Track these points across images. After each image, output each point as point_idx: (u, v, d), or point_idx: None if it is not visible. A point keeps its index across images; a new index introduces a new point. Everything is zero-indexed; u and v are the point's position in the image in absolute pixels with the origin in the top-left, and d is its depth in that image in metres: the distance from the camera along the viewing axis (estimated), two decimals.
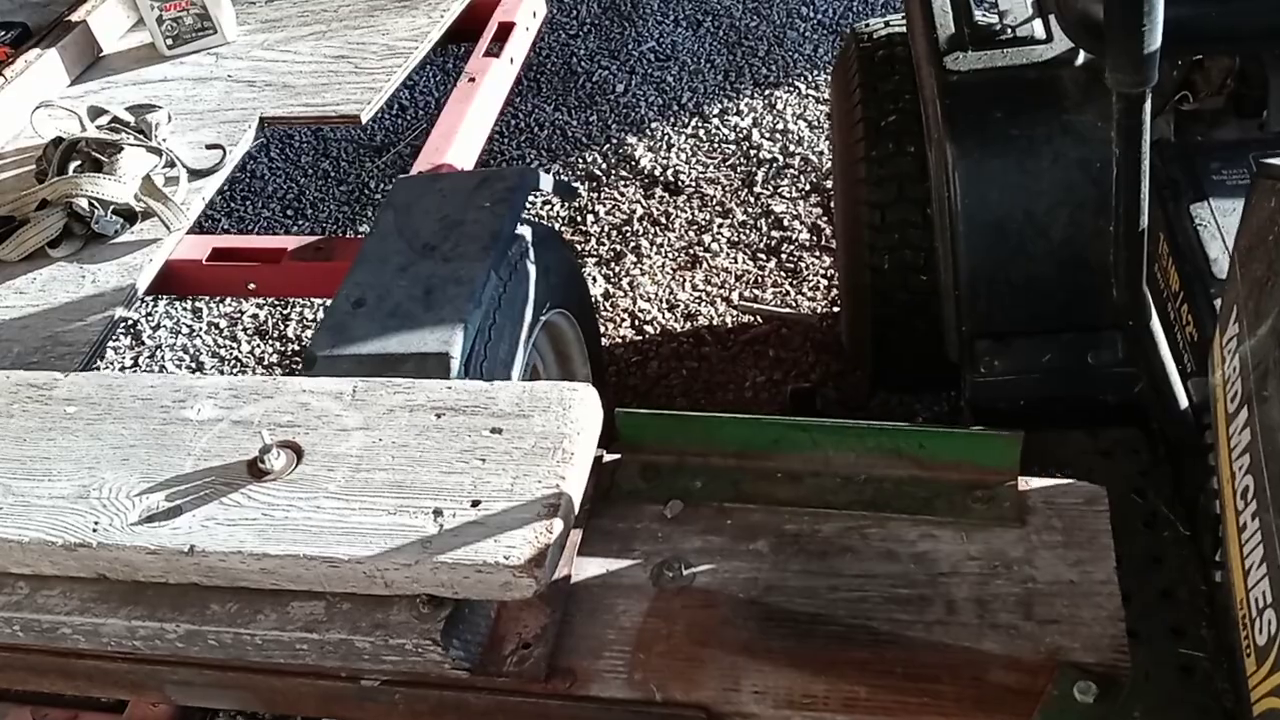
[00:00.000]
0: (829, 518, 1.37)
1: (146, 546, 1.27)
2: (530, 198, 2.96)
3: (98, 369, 2.27)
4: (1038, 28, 1.93)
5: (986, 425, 1.94)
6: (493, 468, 1.29)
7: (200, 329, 3.19)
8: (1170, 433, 1.61)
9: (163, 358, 3.12)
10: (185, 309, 3.24)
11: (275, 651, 1.28)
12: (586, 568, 1.37)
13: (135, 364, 3.12)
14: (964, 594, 1.28)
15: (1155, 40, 1.10)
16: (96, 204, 2.00)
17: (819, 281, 3.03)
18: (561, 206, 3.36)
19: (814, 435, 1.39)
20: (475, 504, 1.25)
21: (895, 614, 1.26)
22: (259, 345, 3.12)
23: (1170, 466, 1.76)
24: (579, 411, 1.35)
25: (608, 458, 1.48)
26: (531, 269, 1.92)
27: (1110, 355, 1.87)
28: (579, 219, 3.33)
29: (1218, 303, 1.60)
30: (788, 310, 2.97)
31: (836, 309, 2.92)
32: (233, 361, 3.09)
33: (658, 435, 1.46)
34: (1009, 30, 1.94)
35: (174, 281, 2.09)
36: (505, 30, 2.54)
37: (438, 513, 1.25)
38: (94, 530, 1.30)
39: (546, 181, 2.07)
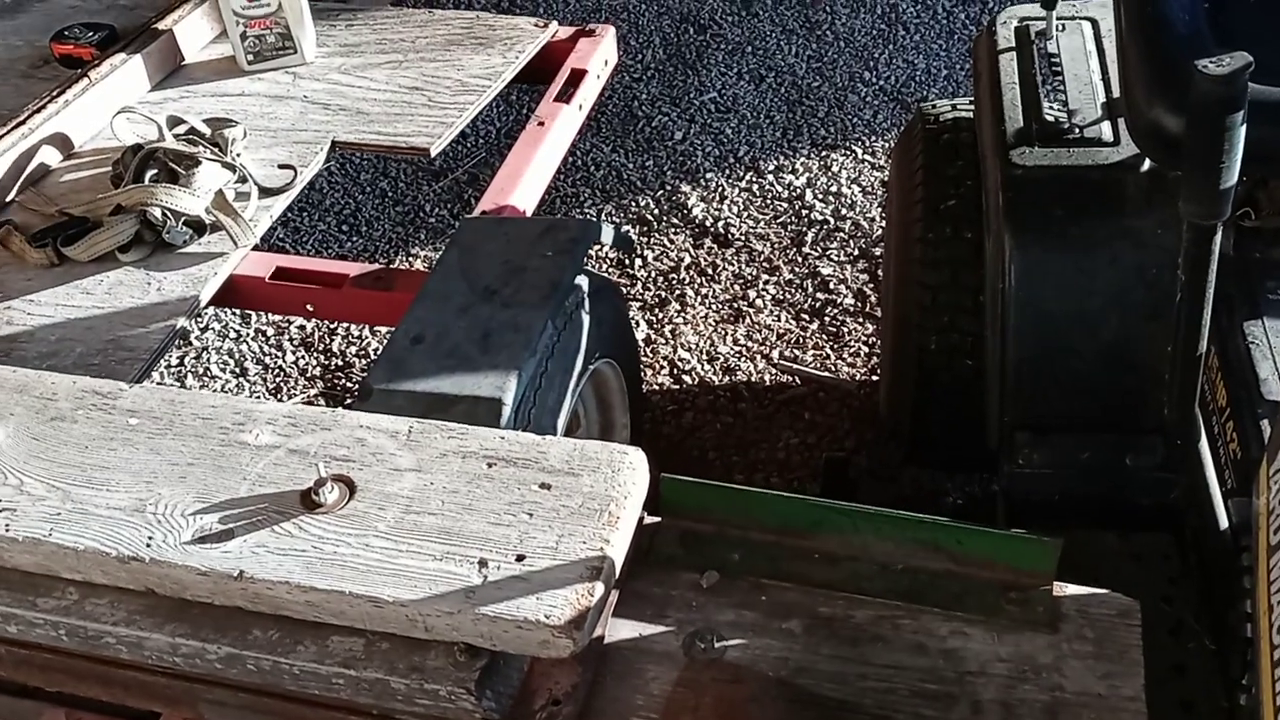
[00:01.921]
0: (863, 604, 1.39)
1: (197, 567, 1.31)
2: None
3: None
4: (1106, 130, 1.96)
5: (1019, 516, 1.96)
6: (539, 523, 1.32)
7: (247, 335, 3.24)
8: (1206, 549, 1.62)
9: (208, 360, 3.17)
10: (234, 314, 3.29)
11: (311, 683, 1.30)
12: (620, 629, 1.39)
13: (181, 364, 3.17)
14: (990, 695, 1.29)
15: (1232, 177, 1.13)
16: (169, 213, 2.05)
17: (860, 348, 3.05)
18: (610, 249, 3.40)
19: (855, 520, 1.41)
20: (520, 558, 1.28)
21: (921, 709, 1.28)
22: (303, 357, 3.17)
23: (1200, 578, 1.77)
24: (627, 476, 1.37)
25: (648, 520, 1.51)
26: (585, 319, 1.95)
27: (1149, 459, 1.88)
28: (627, 263, 3.37)
29: (1264, 423, 1.61)
30: (827, 374, 2.99)
31: (876, 378, 2.94)
32: (276, 370, 3.14)
33: (700, 504, 1.48)
34: (1077, 130, 1.96)
35: (236, 296, 2.14)
36: (578, 77, 2.58)
37: (483, 563, 1.28)
38: (148, 545, 1.34)
39: (608, 234, 2.11)
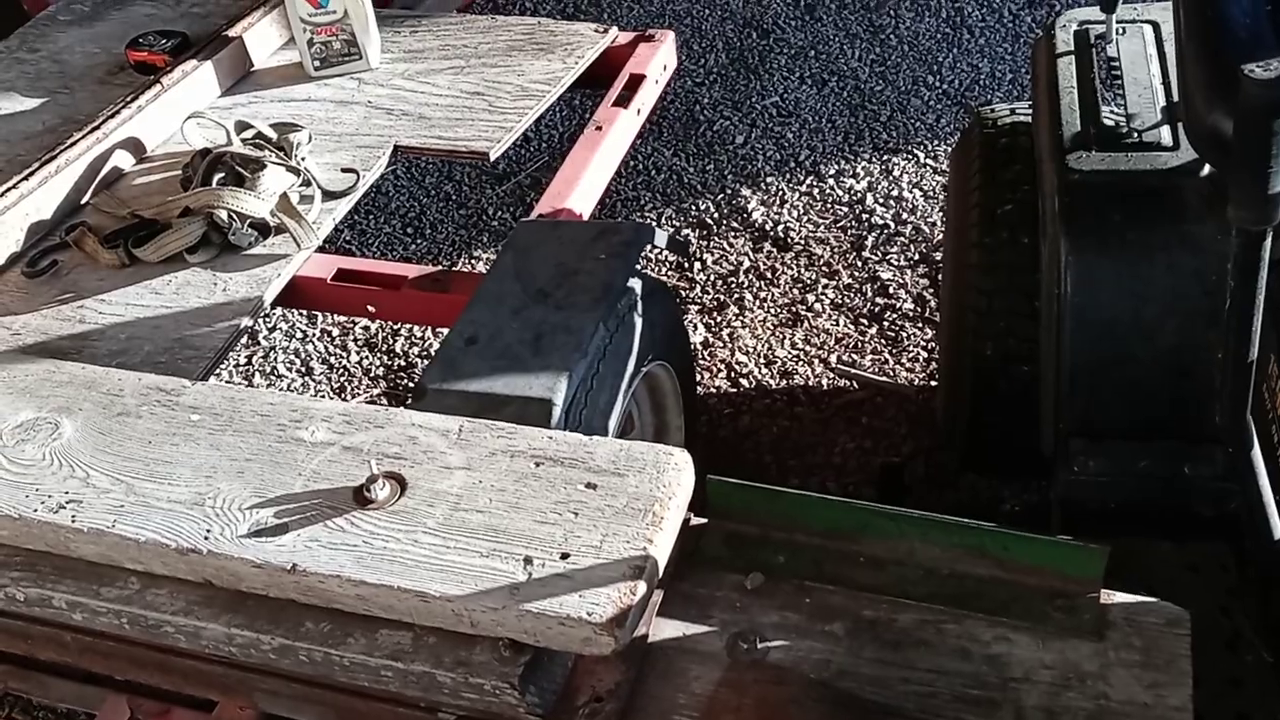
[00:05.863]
0: (907, 608, 1.39)
1: (253, 560, 1.35)
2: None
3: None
4: (1165, 134, 1.93)
5: (1074, 524, 1.94)
6: (584, 522, 1.34)
7: (314, 335, 3.31)
8: (1261, 559, 1.60)
9: (275, 360, 3.24)
10: (301, 315, 3.36)
11: (361, 675, 1.34)
12: (664, 629, 1.40)
13: (249, 362, 3.25)
14: (1034, 702, 1.29)
15: None
16: (235, 216, 2.10)
17: (919, 353, 3.03)
18: (666, 252, 3.41)
19: (901, 525, 1.41)
20: (564, 556, 1.30)
21: (963, 714, 1.28)
22: (367, 357, 3.23)
23: (1259, 589, 1.74)
24: (672, 476, 1.39)
25: (694, 522, 1.52)
26: (638, 322, 1.97)
27: (1208, 468, 1.85)
28: (686, 266, 3.38)
29: None
30: (885, 379, 2.98)
31: (934, 383, 2.92)
32: (341, 370, 3.20)
33: (746, 506, 1.49)
34: (1135, 134, 1.94)
35: (299, 296, 2.19)
36: (636, 81, 2.60)
37: (528, 561, 1.30)
38: (205, 538, 1.38)
39: (661, 238, 2.13)
